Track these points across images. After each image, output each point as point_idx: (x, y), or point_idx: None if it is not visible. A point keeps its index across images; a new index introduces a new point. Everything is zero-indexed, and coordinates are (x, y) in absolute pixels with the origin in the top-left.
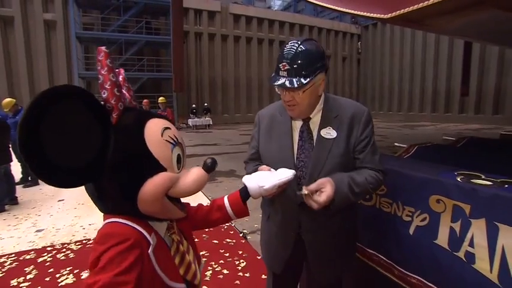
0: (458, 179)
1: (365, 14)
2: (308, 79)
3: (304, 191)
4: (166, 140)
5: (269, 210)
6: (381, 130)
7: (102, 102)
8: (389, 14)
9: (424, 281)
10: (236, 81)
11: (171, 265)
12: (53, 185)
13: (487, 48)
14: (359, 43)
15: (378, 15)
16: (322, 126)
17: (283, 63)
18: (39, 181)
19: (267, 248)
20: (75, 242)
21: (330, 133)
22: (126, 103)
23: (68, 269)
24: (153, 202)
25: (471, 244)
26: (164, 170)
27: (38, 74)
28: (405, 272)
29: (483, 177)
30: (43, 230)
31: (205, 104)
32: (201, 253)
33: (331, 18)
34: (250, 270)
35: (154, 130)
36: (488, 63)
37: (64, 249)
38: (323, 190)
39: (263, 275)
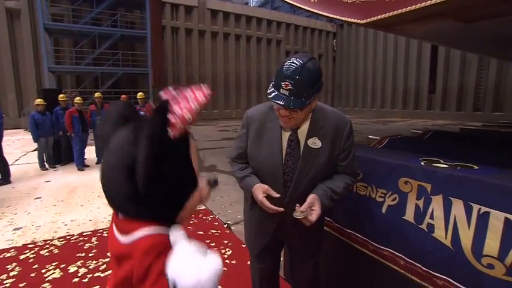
0: (422, 163)
1: (341, 18)
2: (308, 101)
3: (300, 214)
4: (197, 150)
5: (252, 201)
6: (355, 126)
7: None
8: (364, 20)
9: (395, 252)
10: (214, 77)
11: None
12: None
13: (451, 50)
14: (334, 41)
15: (354, 20)
16: (308, 136)
17: (286, 83)
18: (11, 179)
19: (248, 232)
20: (58, 238)
21: (315, 143)
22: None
23: (53, 264)
24: (191, 213)
25: (431, 217)
26: (197, 178)
27: (1, 67)
28: (379, 246)
29: (442, 161)
30: (21, 228)
31: None
32: None
33: (308, 16)
34: (236, 258)
35: (194, 148)
36: (452, 63)
37: (47, 246)
38: (313, 209)
39: (248, 261)
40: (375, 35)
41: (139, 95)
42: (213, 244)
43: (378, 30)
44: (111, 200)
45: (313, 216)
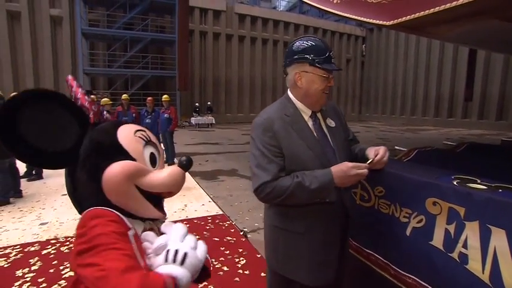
0: (455, 183)
1: (367, 20)
2: None
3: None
4: (138, 137)
5: (304, 224)
6: (383, 133)
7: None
8: (391, 22)
9: (419, 280)
10: (240, 81)
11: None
12: (36, 166)
13: (492, 53)
14: (363, 45)
15: (380, 22)
16: (324, 117)
17: (331, 52)
18: (43, 175)
19: (310, 260)
20: None
21: (331, 122)
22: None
23: None
24: (117, 187)
25: (465, 245)
26: (133, 160)
27: (43, 69)
28: (401, 271)
29: (479, 181)
30: (47, 223)
31: (208, 103)
32: None
33: (336, 20)
34: (250, 268)
35: (127, 130)
36: (493, 68)
37: (67, 243)
38: (379, 151)
39: (262, 273)
40: (406, 38)
41: (164, 97)
42: (227, 252)
43: (409, 34)
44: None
45: (381, 152)
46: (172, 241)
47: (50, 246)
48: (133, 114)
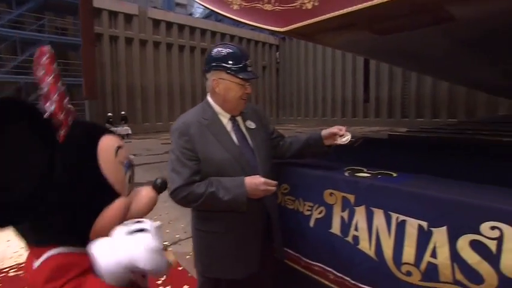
0: (346, 174)
1: (262, 26)
2: None
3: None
4: (120, 162)
5: (224, 225)
6: (299, 134)
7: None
8: (284, 28)
9: (324, 266)
10: (156, 88)
11: None
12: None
13: (381, 63)
14: (277, 53)
15: (274, 28)
16: (243, 119)
17: (248, 60)
18: None
19: (232, 256)
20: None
21: (251, 124)
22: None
23: None
24: (108, 230)
25: (356, 228)
26: (118, 195)
27: None
28: (309, 261)
29: (365, 170)
30: None
31: (122, 113)
32: None
33: (252, 28)
34: (172, 283)
35: (108, 150)
36: (382, 75)
37: None
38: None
39: (185, 286)
40: (313, 46)
41: None
42: None
43: (304, 40)
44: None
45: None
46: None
47: None
48: None
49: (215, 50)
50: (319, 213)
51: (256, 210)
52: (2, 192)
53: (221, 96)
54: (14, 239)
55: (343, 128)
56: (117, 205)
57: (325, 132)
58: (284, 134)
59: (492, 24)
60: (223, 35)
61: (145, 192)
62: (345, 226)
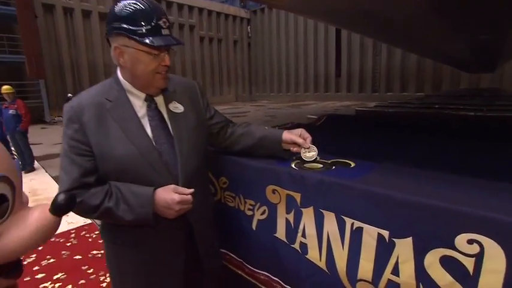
0: (293, 165)
1: None
2: None
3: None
4: None
5: (133, 236)
6: (271, 111)
7: None
8: None
9: (271, 275)
10: None
11: None
12: None
13: (352, 35)
14: (249, 27)
15: None
16: (167, 101)
17: (164, 19)
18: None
19: (146, 274)
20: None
21: (177, 107)
22: None
23: None
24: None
25: (303, 235)
26: None
27: None
28: (253, 269)
29: (318, 159)
30: None
31: (69, 95)
32: (55, 277)
33: (221, 1)
34: None
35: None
36: (353, 48)
37: None
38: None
39: None
40: (286, 19)
41: (5, 88)
42: (91, 271)
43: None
44: None
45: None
46: None
47: None
48: None
49: (119, 4)
50: (262, 213)
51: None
52: None
53: (128, 70)
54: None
55: (308, 140)
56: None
57: (286, 136)
58: (257, 110)
59: None
60: (191, 7)
61: (34, 215)
62: (291, 231)
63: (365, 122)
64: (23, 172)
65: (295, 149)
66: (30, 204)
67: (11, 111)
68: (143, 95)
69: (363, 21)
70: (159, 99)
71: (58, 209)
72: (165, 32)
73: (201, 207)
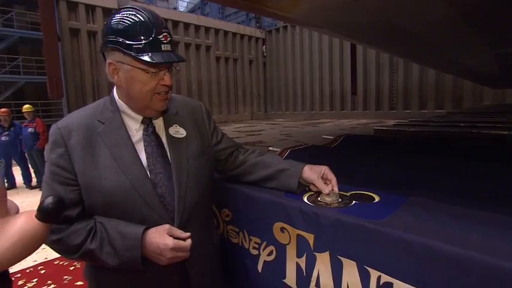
0: (305, 199)
1: None
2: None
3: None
4: None
5: (122, 278)
6: (286, 129)
7: None
8: None
9: None
10: None
11: None
12: None
13: (368, 53)
14: (264, 47)
15: None
16: (167, 125)
17: (164, 33)
18: None
19: None
20: None
21: (178, 131)
22: None
23: None
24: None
25: (317, 284)
26: None
27: None
28: None
29: (335, 191)
30: None
31: None
32: None
33: (238, 22)
34: None
35: None
36: (369, 66)
37: None
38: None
39: None
40: (300, 39)
41: (25, 107)
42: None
43: (303, 33)
44: None
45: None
46: None
47: None
48: None
49: (116, 16)
50: (269, 254)
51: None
52: None
53: (123, 89)
54: None
55: (333, 181)
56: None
57: (307, 175)
58: (272, 128)
59: None
60: (207, 28)
61: (18, 223)
62: (303, 279)
63: (385, 143)
64: (38, 190)
65: (314, 189)
66: None
67: (29, 130)
68: (140, 118)
69: (383, 35)
70: (159, 122)
71: (46, 213)
72: (165, 47)
73: (200, 250)
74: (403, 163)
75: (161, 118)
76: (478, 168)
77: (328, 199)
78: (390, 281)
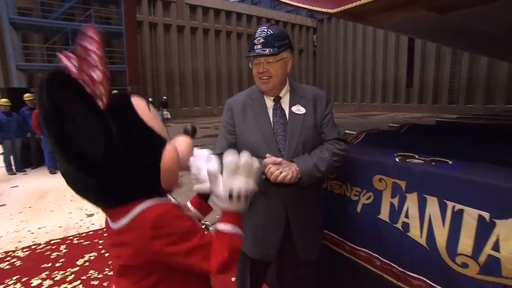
0: (397, 160)
1: (311, 7)
2: (281, 50)
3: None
4: (154, 114)
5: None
6: (337, 120)
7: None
8: (335, 9)
9: (370, 252)
10: (194, 73)
11: None
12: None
13: (427, 44)
14: (315, 36)
15: (324, 10)
16: (291, 104)
17: (258, 38)
18: None
19: (255, 237)
20: (22, 248)
21: (299, 109)
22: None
23: (14, 278)
24: (176, 172)
25: (406, 215)
26: (165, 141)
27: None
28: (354, 246)
29: (417, 157)
30: None
31: (164, 98)
32: None
33: (288, 11)
34: None
35: (142, 106)
36: (428, 57)
37: (9, 258)
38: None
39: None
40: (353, 28)
41: (26, 96)
42: None
43: (354, 22)
44: (83, 197)
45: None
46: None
47: None
48: None
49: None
50: (367, 198)
51: (276, 205)
52: (82, 156)
53: None
54: (74, 211)
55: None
56: (171, 149)
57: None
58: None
59: None
60: (259, 18)
61: (181, 138)
62: (395, 213)
63: (449, 132)
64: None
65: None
66: (44, 202)
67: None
68: (272, 97)
69: (452, 36)
70: (284, 101)
71: (189, 133)
72: (257, 47)
73: (302, 197)
74: (469, 148)
75: (288, 95)
76: None
77: (416, 160)
78: (462, 208)
